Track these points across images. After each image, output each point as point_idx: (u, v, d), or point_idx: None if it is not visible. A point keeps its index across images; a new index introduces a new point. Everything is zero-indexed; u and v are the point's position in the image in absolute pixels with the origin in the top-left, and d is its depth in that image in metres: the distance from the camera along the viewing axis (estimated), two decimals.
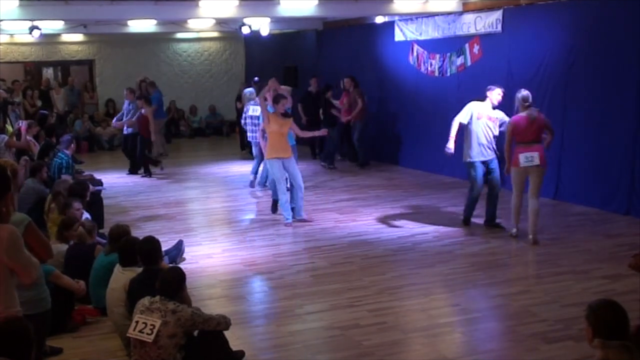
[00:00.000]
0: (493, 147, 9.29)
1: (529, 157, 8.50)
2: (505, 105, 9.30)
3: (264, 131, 10.34)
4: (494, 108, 9.24)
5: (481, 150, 9.25)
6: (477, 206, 9.63)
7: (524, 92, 8.65)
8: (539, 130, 8.59)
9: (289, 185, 10.16)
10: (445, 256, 8.31)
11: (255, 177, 12.76)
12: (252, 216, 10.64)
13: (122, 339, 5.72)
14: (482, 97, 9.35)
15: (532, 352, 5.67)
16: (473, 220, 9.66)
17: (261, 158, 11.94)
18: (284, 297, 7.15)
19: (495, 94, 9.17)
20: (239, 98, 16.63)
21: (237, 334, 5.85)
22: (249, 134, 13.16)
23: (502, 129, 9.20)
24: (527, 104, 8.58)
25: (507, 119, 9.09)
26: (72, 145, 10.65)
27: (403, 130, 14.64)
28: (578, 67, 10.54)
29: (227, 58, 22.04)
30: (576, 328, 5.90)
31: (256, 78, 16.05)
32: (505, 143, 8.75)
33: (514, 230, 8.88)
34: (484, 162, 9.32)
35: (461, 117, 9.30)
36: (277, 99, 9.89)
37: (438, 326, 6.24)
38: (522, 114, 8.58)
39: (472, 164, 9.34)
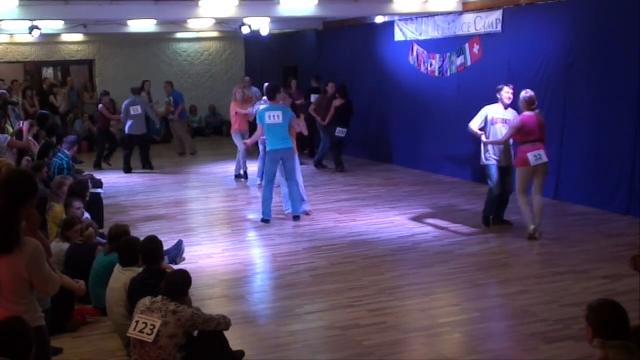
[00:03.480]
0: (511, 153, 9.09)
1: (537, 155, 8.51)
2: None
3: None
4: (506, 108, 9.06)
5: (498, 154, 9.07)
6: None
7: (531, 93, 8.63)
8: (543, 131, 8.68)
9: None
10: (445, 256, 8.31)
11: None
12: (252, 216, 10.64)
13: (122, 339, 5.72)
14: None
15: (532, 352, 5.67)
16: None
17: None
18: (284, 297, 7.15)
19: (504, 94, 9.03)
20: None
21: (237, 334, 5.85)
22: None
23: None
24: (534, 106, 8.59)
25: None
26: (75, 147, 10.64)
27: (403, 130, 14.64)
28: (578, 67, 10.54)
29: (227, 58, 22.05)
30: (576, 328, 5.91)
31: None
32: (505, 135, 8.79)
33: (533, 227, 8.75)
34: (501, 168, 9.12)
35: (473, 123, 9.16)
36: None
37: (438, 326, 6.24)
38: (531, 113, 8.59)
39: (487, 167, 9.17)
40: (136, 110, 14.78)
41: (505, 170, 9.16)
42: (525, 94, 8.66)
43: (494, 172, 9.12)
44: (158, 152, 17.39)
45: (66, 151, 10.19)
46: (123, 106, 15.11)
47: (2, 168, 6.40)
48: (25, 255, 3.88)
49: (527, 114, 8.61)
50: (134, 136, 14.92)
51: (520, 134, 8.60)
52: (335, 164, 14.34)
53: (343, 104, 14.07)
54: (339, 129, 13.99)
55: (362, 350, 5.76)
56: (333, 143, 14.27)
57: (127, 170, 14.79)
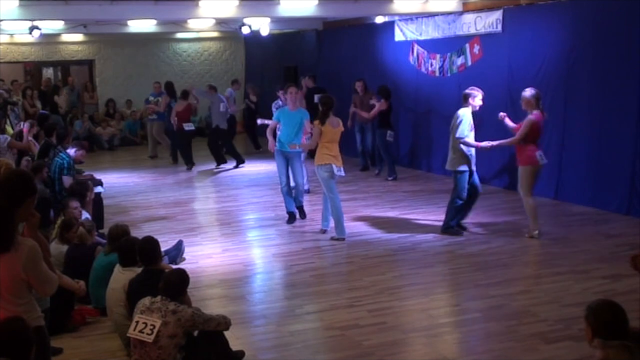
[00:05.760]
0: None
1: (541, 155, 8.54)
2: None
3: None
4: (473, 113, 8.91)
5: (472, 159, 8.93)
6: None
7: (536, 90, 8.57)
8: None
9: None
10: (445, 256, 8.32)
11: None
12: (252, 216, 10.63)
13: (122, 339, 5.73)
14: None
15: (532, 352, 5.67)
16: (468, 221, 9.63)
17: None
18: (284, 297, 7.16)
19: (478, 100, 8.84)
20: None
21: (237, 334, 5.86)
22: None
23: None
24: (541, 101, 8.52)
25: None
26: (83, 151, 10.53)
27: (403, 130, 14.63)
28: (578, 67, 10.54)
29: (227, 58, 22.05)
30: (576, 328, 5.90)
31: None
32: (518, 136, 8.49)
33: (537, 232, 8.77)
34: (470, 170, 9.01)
35: (469, 132, 8.75)
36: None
37: (438, 326, 6.24)
38: (538, 112, 8.49)
39: (463, 172, 8.88)
40: (224, 106, 15.43)
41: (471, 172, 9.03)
42: (532, 90, 8.55)
43: (467, 179, 8.94)
44: (158, 152, 17.37)
45: (70, 151, 10.15)
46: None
47: (1, 168, 6.41)
48: (21, 255, 3.88)
49: (536, 112, 8.47)
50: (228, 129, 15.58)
51: (530, 134, 8.46)
52: (389, 171, 13.25)
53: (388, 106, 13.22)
54: (389, 132, 13.09)
55: (362, 350, 5.76)
56: (385, 148, 13.25)
57: (240, 161, 15.27)
